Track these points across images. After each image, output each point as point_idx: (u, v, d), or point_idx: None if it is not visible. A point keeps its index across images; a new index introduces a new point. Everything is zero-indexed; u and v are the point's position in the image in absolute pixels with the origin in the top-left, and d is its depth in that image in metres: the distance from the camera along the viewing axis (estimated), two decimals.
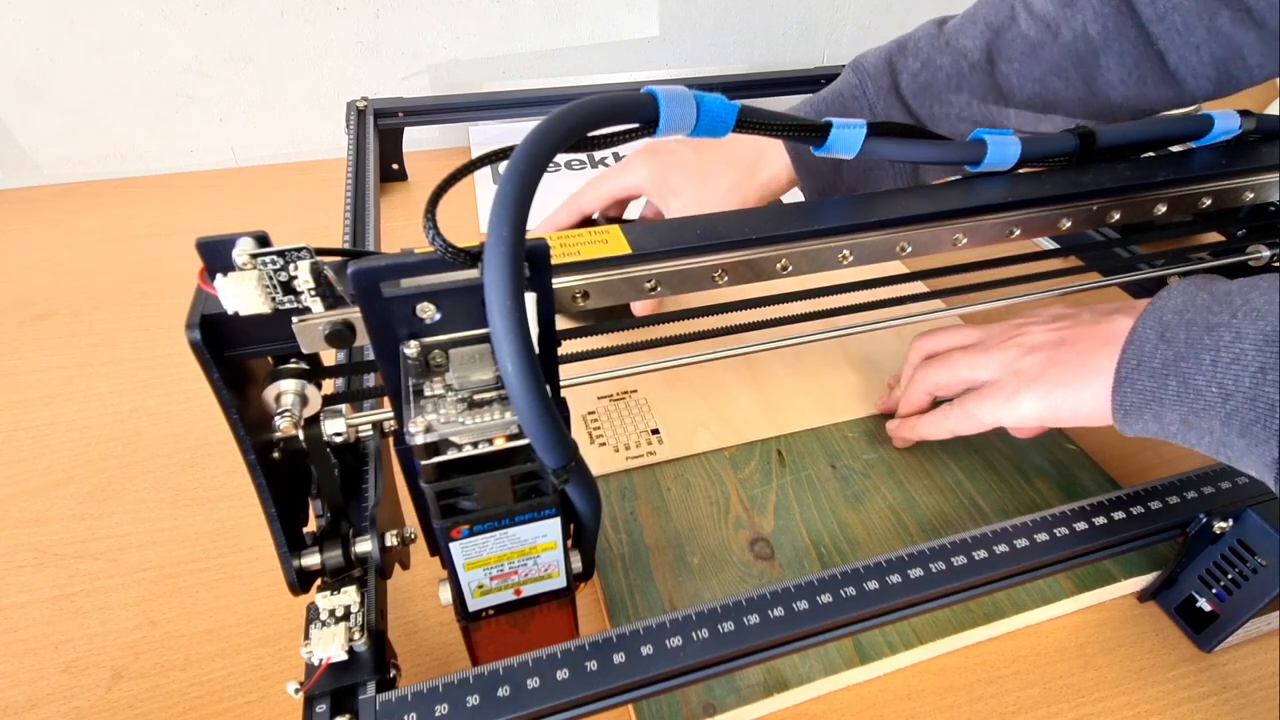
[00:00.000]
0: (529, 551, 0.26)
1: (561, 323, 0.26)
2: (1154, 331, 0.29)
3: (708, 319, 0.32)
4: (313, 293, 0.21)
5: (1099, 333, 0.32)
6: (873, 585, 0.29)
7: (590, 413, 0.44)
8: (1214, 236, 0.45)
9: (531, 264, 0.22)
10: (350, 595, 0.27)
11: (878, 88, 0.42)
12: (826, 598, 0.28)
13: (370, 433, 0.29)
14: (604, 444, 0.42)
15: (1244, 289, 0.27)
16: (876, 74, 0.42)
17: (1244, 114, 0.35)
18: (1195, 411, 0.27)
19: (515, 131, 0.70)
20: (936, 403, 0.41)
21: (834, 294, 0.34)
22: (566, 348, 0.28)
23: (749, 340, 0.35)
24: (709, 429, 0.43)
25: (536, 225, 0.51)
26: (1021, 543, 0.31)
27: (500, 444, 0.22)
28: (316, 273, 0.21)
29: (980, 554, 0.30)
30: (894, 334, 0.50)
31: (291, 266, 0.21)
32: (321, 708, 0.25)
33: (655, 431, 0.43)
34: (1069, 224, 0.33)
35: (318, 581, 0.28)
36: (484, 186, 0.69)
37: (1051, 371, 0.33)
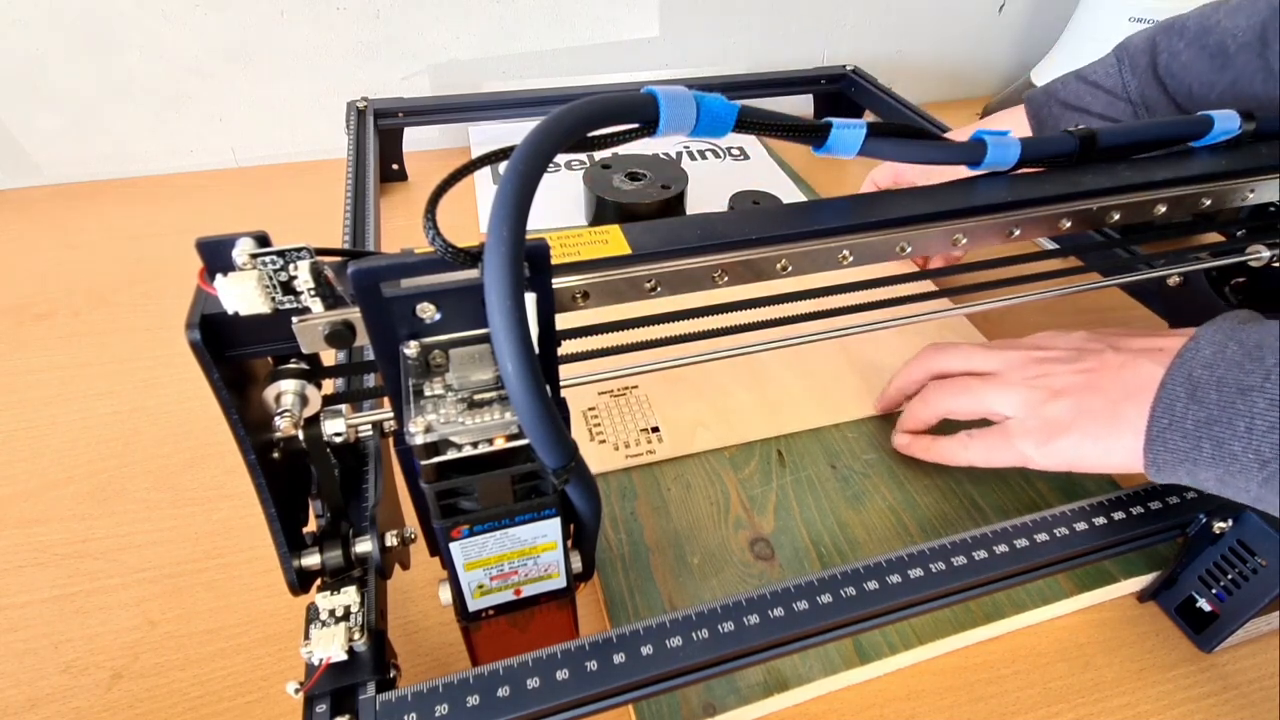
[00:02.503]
0: (529, 551, 0.26)
1: (561, 322, 0.26)
2: (1184, 389, 0.28)
3: (709, 319, 0.32)
4: (313, 293, 0.21)
5: (1126, 381, 0.31)
6: (873, 585, 0.29)
7: (590, 408, 0.44)
8: (1214, 236, 0.45)
9: (531, 264, 0.22)
10: (350, 595, 0.27)
11: (1134, 66, 0.44)
12: (826, 598, 0.28)
13: (370, 433, 0.29)
14: (604, 441, 0.42)
15: (1276, 342, 0.27)
16: (1136, 53, 0.44)
17: (1244, 114, 0.35)
18: (1231, 473, 0.27)
19: (515, 131, 0.70)
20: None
21: (836, 294, 0.34)
22: (566, 348, 0.28)
23: (750, 340, 0.35)
24: (709, 428, 0.43)
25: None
26: (1021, 543, 0.31)
27: (500, 444, 0.22)
28: (316, 273, 0.21)
29: (980, 554, 0.30)
30: (896, 333, 0.50)
31: (291, 266, 0.21)
32: (321, 708, 0.25)
33: (655, 429, 0.43)
34: (1069, 224, 0.33)
35: (318, 581, 0.28)
36: (484, 186, 0.69)
37: (1080, 421, 0.32)
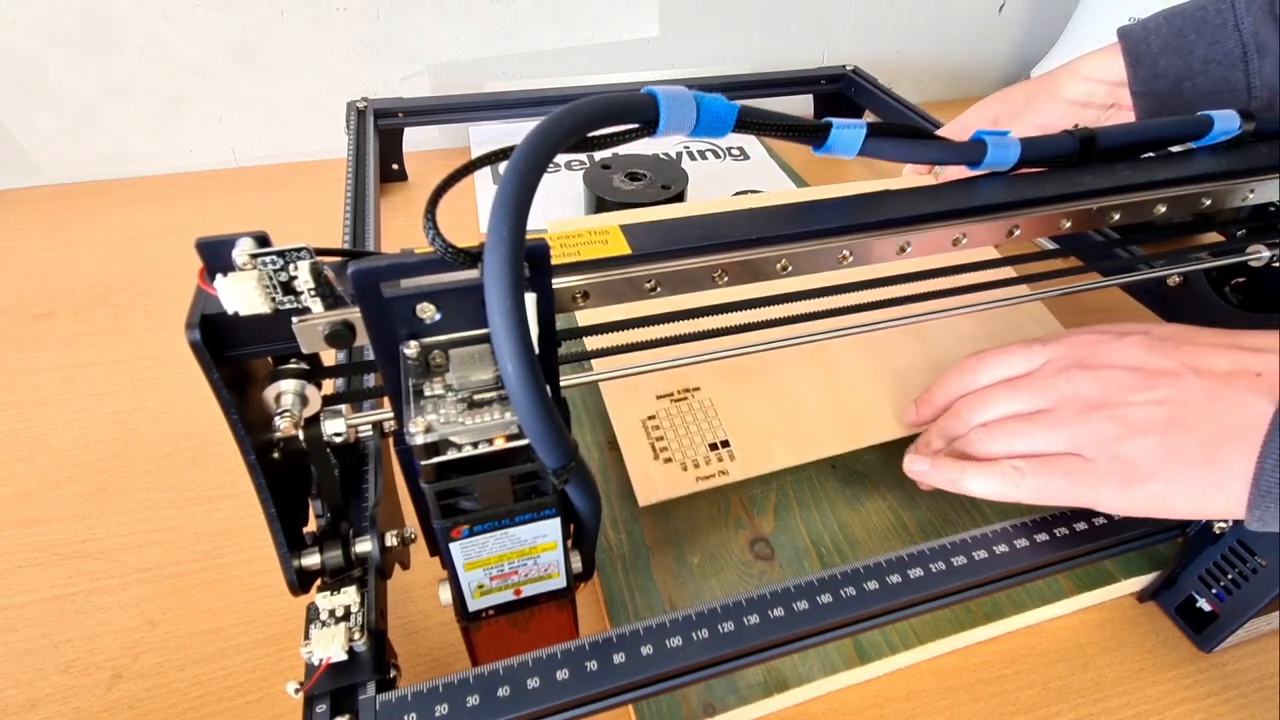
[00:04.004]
0: (529, 551, 0.26)
1: (564, 321, 0.26)
2: None
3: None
4: (313, 293, 0.21)
5: (1224, 419, 0.27)
6: (873, 585, 0.29)
7: (650, 417, 0.40)
8: (1214, 236, 0.45)
9: (531, 264, 0.22)
10: (350, 595, 0.27)
11: (1249, 2, 0.39)
12: (826, 598, 0.28)
13: (370, 433, 0.29)
14: (670, 460, 0.38)
15: None
16: None
17: (1244, 114, 0.35)
18: None
19: (515, 131, 0.70)
20: None
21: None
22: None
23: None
24: (782, 440, 0.39)
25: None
26: (1021, 543, 0.31)
27: (500, 444, 0.22)
28: (316, 273, 0.21)
29: (980, 554, 0.30)
30: (976, 324, 0.45)
31: (291, 267, 0.21)
32: (321, 708, 0.25)
33: (725, 444, 0.39)
34: (1069, 224, 0.33)
35: (318, 581, 0.28)
36: (484, 186, 0.69)
37: (1169, 466, 0.28)
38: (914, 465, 0.35)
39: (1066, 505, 0.31)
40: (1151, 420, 0.29)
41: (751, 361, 0.40)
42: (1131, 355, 0.31)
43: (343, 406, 0.28)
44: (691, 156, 0.76)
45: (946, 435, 0.36)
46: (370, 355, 0.24)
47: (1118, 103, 0.46)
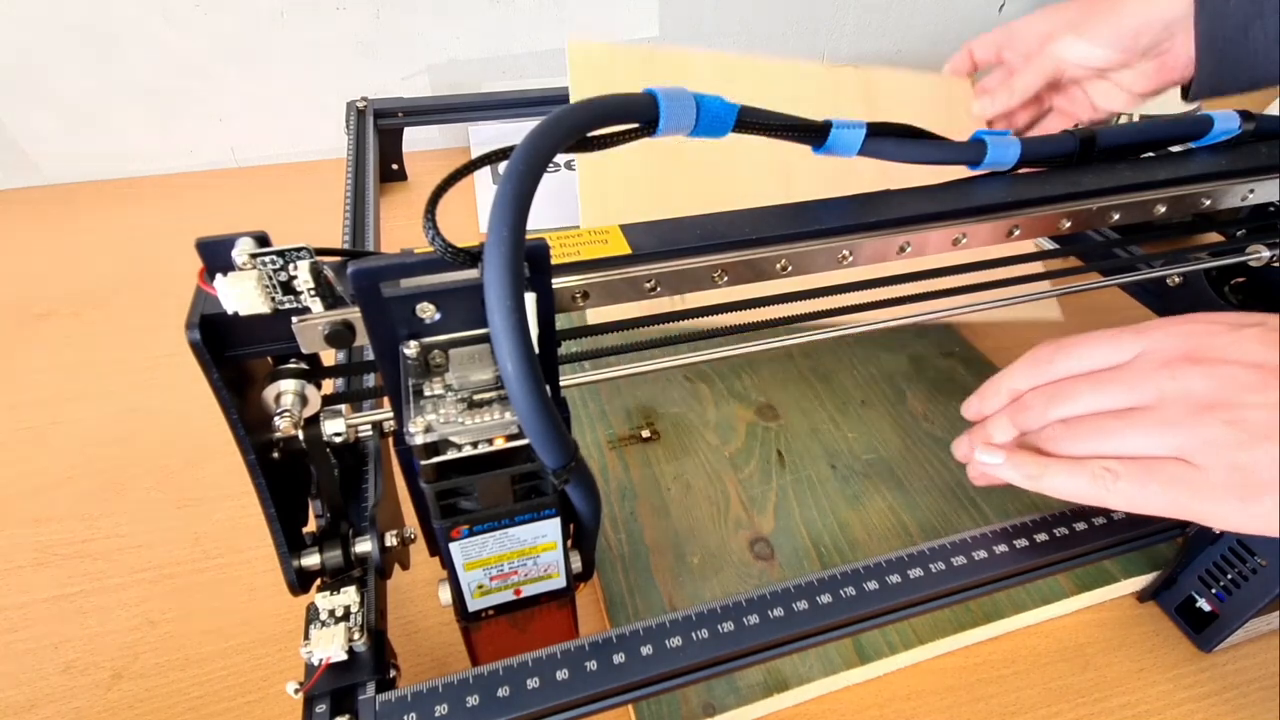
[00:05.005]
0: (529, 551, 0.26)
1: (561, 321, 0.26)
2: None
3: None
4: (312, 293, 0.21)
5: None
6: (873, 585, 0.29)
7: None
8: (1214, 236, 0.45)
9: (531, 264, 0.22)
10: (350, 595, 0.27)
11: None
12: (826, 598, 0.28)
13: (370, 433, 0.29)
14: None
15: None
16: None
17: (1244, 114, 0.35)
18: None
19: (515, 131, 0.70)
20: None
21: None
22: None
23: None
24: None
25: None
26: (1021, 543, 0.31)
27: (500, 444, 0.22)
28: (316, 273, 0.21)
29: (980, 554, 0.30)
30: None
31: (291, 266, 0.21)
32: (321, 708, 0.25)
33: None
34: (1069, 224, 0.33)
35: (318, 581, 0.28)
36: (484, 186, 0.69)
37: None
38: (984, 455, 0.30)
39: (1163, 515, 0.27)
40: (1273, 423, 0.26)
41: None
42: (1252, 350, 0.27)
43: (342, 406, 0.28)
44: None
45: (1018, 428, 0.31)
46: (370, 355, 0.24)
47: (1173, 36, 0.42)
